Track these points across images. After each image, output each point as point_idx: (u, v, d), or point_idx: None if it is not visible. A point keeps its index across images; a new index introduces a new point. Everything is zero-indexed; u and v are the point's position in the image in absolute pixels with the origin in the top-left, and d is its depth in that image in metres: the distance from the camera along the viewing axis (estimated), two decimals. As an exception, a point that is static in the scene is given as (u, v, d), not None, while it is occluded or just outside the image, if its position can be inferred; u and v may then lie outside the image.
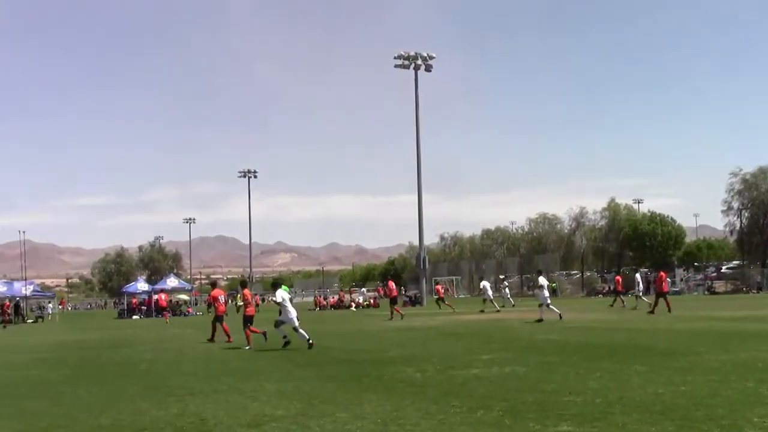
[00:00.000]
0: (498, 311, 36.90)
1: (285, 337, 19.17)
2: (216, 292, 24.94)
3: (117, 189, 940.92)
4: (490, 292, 41.46)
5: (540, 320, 26.38)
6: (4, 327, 48.10)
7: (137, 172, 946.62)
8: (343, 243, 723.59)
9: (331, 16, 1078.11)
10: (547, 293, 27.46)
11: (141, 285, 66.14)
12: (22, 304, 59.63)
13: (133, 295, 65.17)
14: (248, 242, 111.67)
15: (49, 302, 69.14)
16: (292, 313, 19.12)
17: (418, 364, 14.31)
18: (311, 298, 76.98)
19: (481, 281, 29.34)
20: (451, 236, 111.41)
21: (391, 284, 38.79)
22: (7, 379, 15.16)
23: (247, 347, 19.79)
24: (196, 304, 78.17)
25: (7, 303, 57.18)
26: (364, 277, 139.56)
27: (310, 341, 18.72)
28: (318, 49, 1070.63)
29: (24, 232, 64.35)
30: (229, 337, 22.65)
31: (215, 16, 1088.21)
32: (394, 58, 65.47)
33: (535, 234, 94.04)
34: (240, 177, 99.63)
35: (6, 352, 22.54)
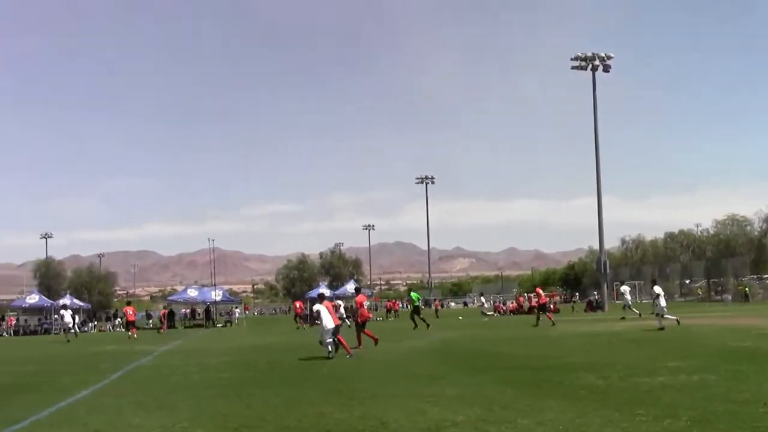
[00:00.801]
0: (638, 316, 35.75)
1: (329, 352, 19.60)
2: (360, 297, 25.26)
3: (299, 197, 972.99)
4: (628, 297, 40.25)
5: (661, 328, 26.13)
6: (159, 332, 49.38)
7: (319, 180, 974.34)
8: (522, 248, 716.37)
9: (508, 16, 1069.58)
10: (663, 303, 27.38)
11: (323, 290, 67.97)
12: (212, 309, 62.69)
13: (313, 300, 67.13)
14: (426, 248, 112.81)
15: (236, 307, 72.37)
16: (329, 325, 19.74)
17: (599, 371, 13.97)
18: (489, 304, 76.80)
19: (653, 286, 28.62)
20: (632, 239, 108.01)
21: (539, 291, 38.66)
22: (201, 380, 15.95)
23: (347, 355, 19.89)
24: (376, 310, 79.60)
25: (164, 311, 60.08)
26: (543, 281, 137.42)
27: (331, 355, 19.50)
28: (496, 50, 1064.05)
29: (213, 240, 67.61)
30: (375, 340, 23.21)
31: (392, 17, 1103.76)
32: (571, 59, 64.53)
33: (722, 236, 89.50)
34: (417, 183, 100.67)
35: (200, 355, 23.74)
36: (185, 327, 59.23)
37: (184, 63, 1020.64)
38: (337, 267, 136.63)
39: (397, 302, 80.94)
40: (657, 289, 27.98)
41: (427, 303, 74.08)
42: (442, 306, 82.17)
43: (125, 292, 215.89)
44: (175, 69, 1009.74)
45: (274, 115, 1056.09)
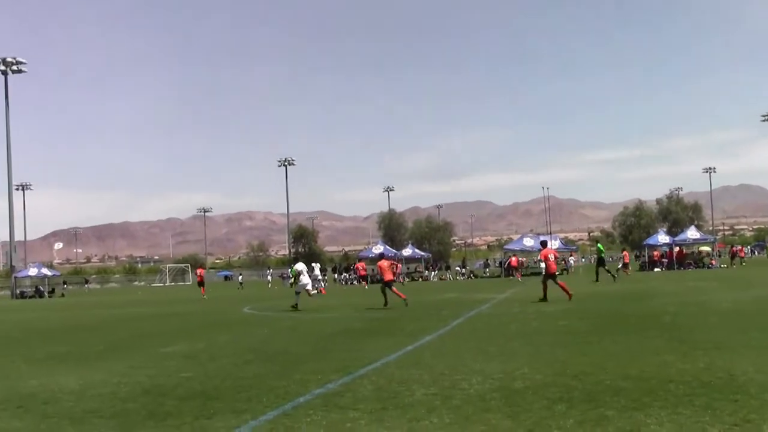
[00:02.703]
0: None
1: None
2: (546, 251, 25.45)
3: (637, 141, 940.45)
4: None
5: None
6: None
7: (658, 123, 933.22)
8: None
9: None
10: None
11: (662, 237, 65.63)
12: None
13: (654, 247, 65.08)
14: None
15: (571, 255, 71.98)
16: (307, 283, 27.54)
17: None
18: None
19: None
20: None
21: None
22: (539, 327, 16.11)
23: None
24: (719, 256, 75.35)
25: (515, 258, 60.73)
26: None
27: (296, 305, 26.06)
28: None
29: (548, 188, 67.78)
30: (568, 294, 23.61)
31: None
32: None
33: None
34: (764, 121, 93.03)
35: (537, 303, 23.94)
36: (523, 275, 60.11)
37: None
38: (675, 212, 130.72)
39: (743, 248, 76.08)
40: None
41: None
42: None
43: (463, 242, 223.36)
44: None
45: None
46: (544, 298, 24.01)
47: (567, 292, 23.78)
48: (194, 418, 7.93)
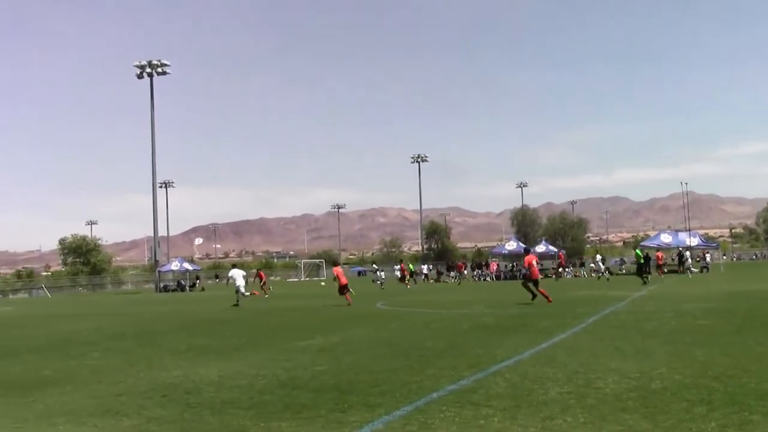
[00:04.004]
0: None
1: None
2: (529, 257, 25.87)
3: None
4: None
5: None
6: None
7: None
8: None
9: None
10: None
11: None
12: (686, 254, 60.83)
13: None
14: None
15: (707, 252, 69.19)
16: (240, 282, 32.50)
17: None
18: None
19: None
20: None
21: None
22: (678, 326, 15.62)
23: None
24: None
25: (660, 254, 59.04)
26: None
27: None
28: None
29: (686, 183, 65.57)
30: (548, 299, 24.28)
31: None
32: None
33: None
34: None
35: (674, 301, 23.20)
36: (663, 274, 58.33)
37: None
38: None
39: None
40: None
41: None
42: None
43: (598, 238, 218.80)
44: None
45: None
46: (533, 297, 24.70)
47: (547, 298, 24.42)
48: (329, 411, 8.07)
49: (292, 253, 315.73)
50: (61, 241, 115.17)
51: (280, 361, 12.34)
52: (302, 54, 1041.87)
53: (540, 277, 26.49)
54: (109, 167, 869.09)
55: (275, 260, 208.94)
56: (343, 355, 12.94)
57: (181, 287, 74.44)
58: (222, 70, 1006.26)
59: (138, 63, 78.59)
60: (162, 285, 76.56)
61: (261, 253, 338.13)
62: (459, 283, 58.43)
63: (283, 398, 8.92)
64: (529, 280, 25.41)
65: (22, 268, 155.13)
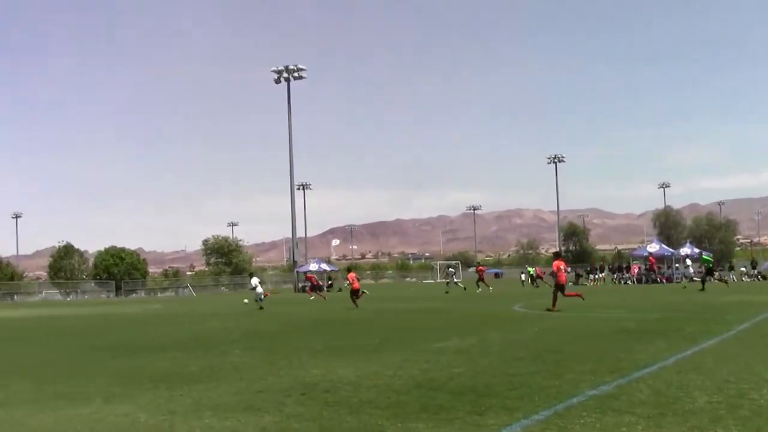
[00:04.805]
0: None
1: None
2: (558, 263, 25.95)
3: None
4: None
5: None
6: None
7: None
8: None
9: None
10: None
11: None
12: None
13: None
14: None
15: None
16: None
17: None
18: None
19: None
20: None
21: None
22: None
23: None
24: None
25: None
26: None
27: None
28: None
29: None
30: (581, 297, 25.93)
31: None
32: None
33: None
34: None
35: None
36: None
37: None
38: None
39: None
40: None
41: None
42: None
43: (749, 240, 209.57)
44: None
45: None
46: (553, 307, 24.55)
47: (580, 296, 25.91)
48: (466, 413, 7.99)
49: (427, 254, 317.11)
50: (204, 242, 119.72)
51: (417, 362, 12.34)
52: (434, 55, 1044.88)
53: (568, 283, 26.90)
54: (248, 170, 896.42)
55: (411, 261, 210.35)
56: (480, 357, 12.82)
57: (318, 288, 75.81)
58: (358, 72, 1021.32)
59: (275, 68, 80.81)
60: (300, 285, 78.26)
61: (397, 255, 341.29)
62: (595, 285, 57.24)
63: (420, 399, 8.90)
64: (558, 286, 25.27)
65: (169, 267, 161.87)
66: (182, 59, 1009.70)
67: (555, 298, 24.96)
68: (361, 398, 9.10)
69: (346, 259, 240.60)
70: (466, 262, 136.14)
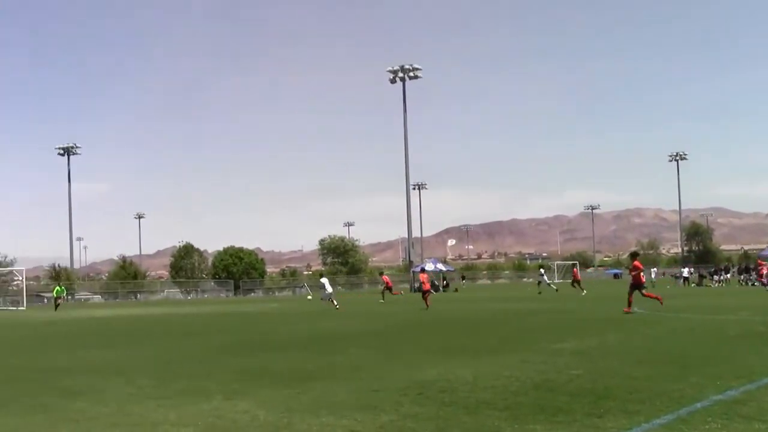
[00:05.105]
0: None
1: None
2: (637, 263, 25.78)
3: None
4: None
5: None
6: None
7: None
8: None
9: None
10: None
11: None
12: None
13: None
14: None
15: None
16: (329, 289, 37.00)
17: None
18: None
19: None
20: None
21: None
22: None
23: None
24: None
25: None
26: None
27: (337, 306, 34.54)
28: None
29: None
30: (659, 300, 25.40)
31: None
32: None
33: None
34: None
35: None
36: None
37: None
38: None
39: None
40: None
41: None
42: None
43: None
44: None
45: None
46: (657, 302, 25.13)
47: (659, 300, 25.39)
48: (585, 415, 7.83)
49: (544, 254, 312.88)
50: (321, 242, 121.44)
51: (534, 363, 12.19)
52: (545, 55, 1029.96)
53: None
54: (365, 170, 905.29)
55: (528, 261, 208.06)
56: (599, 359, 12.56)
57: (434, 287, 75.80)
58: (472, 71, 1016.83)
59: (391, 68, 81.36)
60: (416, 285, 78.57)
61: (513, 255, 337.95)
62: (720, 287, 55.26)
63: (537, 400, 8.78)
64: (635, 286, 24.94)
65: (286, 267, 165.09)
66: (295, 60, 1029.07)
67: (654, 297, 25.27)
68: (478, 398, 9.05)
69: (462, 259, 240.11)
70: (584, 262, 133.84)
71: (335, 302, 36.08)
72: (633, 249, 52.11)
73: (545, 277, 55.10)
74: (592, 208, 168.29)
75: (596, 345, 14.95)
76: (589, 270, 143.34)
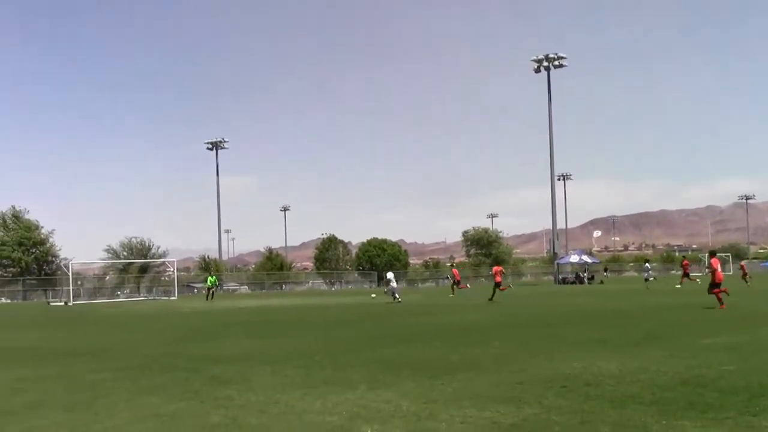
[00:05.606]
0: None
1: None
2: (714, 261, 25.28)
3: None
4: None
5: None
6: None
7: None
8: None
9: None
10: None
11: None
12: None
13: None
14: None
15: None
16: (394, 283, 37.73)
17: None
18: None
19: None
20: None
21: None
22: None
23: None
24: None
25: None
26: None
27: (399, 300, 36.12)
28: None
29: None
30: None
31: None
32: None
33: None
34: None
35: None
36: None
37: None
38: None
39: None
40: None
41: None
42: None
43: None
44: None
45: None
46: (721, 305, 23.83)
47: (720, 302, 24.01)
48: (737, 413, 7.58)
49: (694, 246, 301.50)
50: (464, 234, 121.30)
51: (683, 358, 11.84)
52: (666, 49, 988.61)
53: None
54: (507, 162, 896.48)
55: (677, 253, 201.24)
56: (752, 355, 12.08)
57: (579, 279, 74.51)
58: (618, 61, 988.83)
59: (535, 57, 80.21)
60: (561, 277, 77.34)
61: (661, 246, 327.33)
62: None
63: (686, 396, 8.54)
64: (713, 285, 24.23)
65: (429, 258, 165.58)
66: (434, 53, 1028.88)
67: (719, 298, 24.23)
68: (624, 392, 8.89)
69: (608, 251, 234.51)
70: (738, 254, 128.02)
71: (398, 296, 37.09)
72: None
73: (650, 273, 53.59)
74: (747, 198, 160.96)
75: (750, 341, 14.37)
76: (743, 262, 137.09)
